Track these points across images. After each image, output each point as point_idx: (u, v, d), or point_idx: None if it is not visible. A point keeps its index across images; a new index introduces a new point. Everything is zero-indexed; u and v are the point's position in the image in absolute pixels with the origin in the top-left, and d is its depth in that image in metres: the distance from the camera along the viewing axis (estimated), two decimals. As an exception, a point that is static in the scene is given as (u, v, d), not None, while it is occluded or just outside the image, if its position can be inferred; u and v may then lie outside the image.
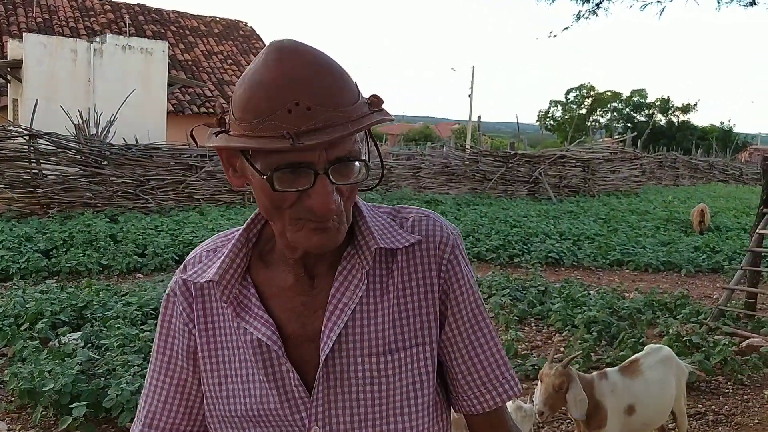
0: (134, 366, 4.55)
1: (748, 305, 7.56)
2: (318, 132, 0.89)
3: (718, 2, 7.52)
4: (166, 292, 1.16)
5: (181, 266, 1.16)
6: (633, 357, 3.70)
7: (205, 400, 1.13)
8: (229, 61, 22.41)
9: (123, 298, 6.72)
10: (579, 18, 8.07)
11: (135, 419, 1.19)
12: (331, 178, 0.94)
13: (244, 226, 1.12)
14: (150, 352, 4.88)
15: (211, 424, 1.14)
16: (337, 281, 1.06)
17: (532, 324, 6.98)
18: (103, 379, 4.43)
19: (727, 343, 6.00)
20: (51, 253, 8.72)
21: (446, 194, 16.58)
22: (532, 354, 5.88)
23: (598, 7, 7.86)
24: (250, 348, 1.07)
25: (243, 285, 1.09)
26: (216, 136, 0.98)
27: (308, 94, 0.90)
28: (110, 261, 8.58)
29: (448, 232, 1.12)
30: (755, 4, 7.68)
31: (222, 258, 1.09)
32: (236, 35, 24.07)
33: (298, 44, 0.95)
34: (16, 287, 7.12)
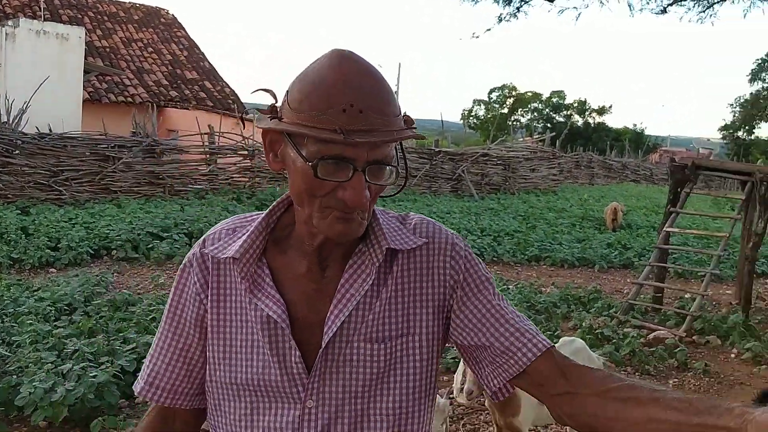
0: (47, 363, 4.38)
1: (656, 299, 8.00)
2: (365, 133, 1.02)
3: (631, 9, 7.92)
4: (183, 262, 1.25)
5: (200, 240, 1.25)
6: (548, 349, 3.86)
7: (207, 366, 1.23)
8: (149, 49, 21.73)
9: (35, 293, 6.46)
10: (500, 20, 8.32)
11: (139, 377, 1.27)
12: (367, 176, 1.06)
13: (266, 212, 1.22)
14: (63, 348, 4.71)
15: (210, 389, 1.23)
16: (347, 273, 1.18)
17: (454, 318, 7.14)
18: (14, 377, 4.26)
19: (635, 335, 6.34)
20: (-44, 245, 8.26)
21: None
22: (452, 348, 6.03)
23: (518, 11, 8.12)
24: (259, 323, 1.17)
25: (259, 266, 1.19)
26: (270, 121, 1.09)
27: (362, 99, 1.03)
28: (21, 255, 8.21)
29: (448, 234, 1.25)
30: (666, 12, 8.12)
31: (244, 238, 1.19)
32: (157, 23, 23.36)
33: (357, 55, 1.09)
34: None
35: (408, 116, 1.13)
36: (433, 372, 1.25)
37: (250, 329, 1.18)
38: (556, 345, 3.82)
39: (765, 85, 35.64)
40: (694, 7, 7.98)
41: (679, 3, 7.90)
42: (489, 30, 8.18)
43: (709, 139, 58.48)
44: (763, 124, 37.08)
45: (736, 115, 37.15)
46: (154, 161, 13.00)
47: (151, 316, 5.73)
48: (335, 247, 1.18)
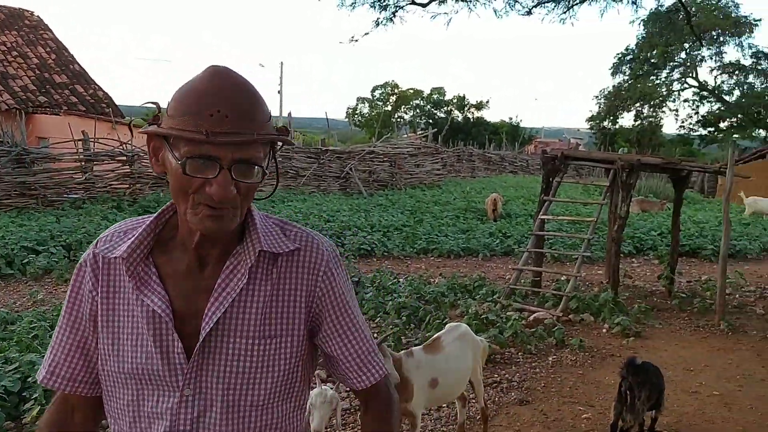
0: None
1: (534, 283, 8.52)
2: (228, 135, 1.16)
3: (496, 14, 8.40)
4: (79, 262, 1.36)
5: (95, 242, 1.37)
6: (435, 335, 4.08)
7: (99, 357, 1.34)
8: (14, 52, 20.33)
9: None
10: (378, 24, 8.56)
11: (41, 366, 1.38)
12: (233, 174, 1.19)
13: (156, 215, 1.35)
14: None
15: (103, 379, 1.34)
16: (224, 273, 1.29)
17: (347, 314, 7.28)
18: None
19: (517, 318, 6.73)
20: None
21: (259, 191, 16.46)
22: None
23: (394, 15, 8.39)
24: (144, 317, 1.28)
25: (146, 264, 1.31)
26: (149, 126, 1.23)
27: (228, 106, 1.17)
28: None
29: (324, 247, 1.38)
30: (531, 13, 8.66)
31: (132, 239, 1.31)
32: (21, 24, 21.88)
33: (230, 70, 1.23)
34: None
35: (283, 127, 1.31)
36: (302, 370, 1.39)
37: (137, 323, 1.29)
38: (443, 331, 3.98)
39: (625, 77, 38.33)
40: (554, 8, 8.56)
41: (542, 5, 8.44)
42: (367, 34, 8.39)
43: (579, 130, 61.98)
44: (625, 114, 39.80)
45: (601, 106, 39.72)
46: (25, 171, 12.23)
47: (33, 334, 5.46)
48: (212, 246, 1.30)
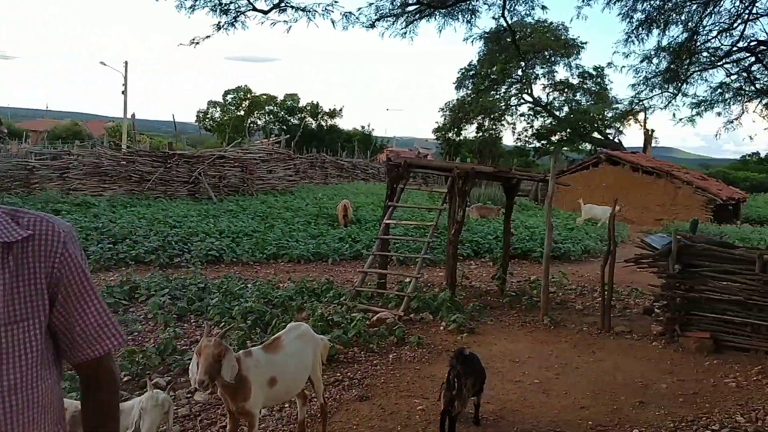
0: None
1: (380, 285, 8.86)
2: None
3: (334, 25, 8.69)
4: None
5: None
6: (276, 335, 4.19)
7: None
8: None
9: None
10: (219, 28, 8.53)
11: None
12: None
13: None
14: None
15: None
16: None
17: (192, 320, 7.19)
18: None
19: (361, 318, 6.99)
20: None
21: (100, 196, 15.69)
22: (191, 348, 6.10)
23: (236, 20, 8.39)
24: None
25: None
26: None
27: None
28: None
29: (59, 230, 1.45)
30: (374, 26, 9.02)
31: None
32: None
33: None
34: None
35: None
36: (52, 354, 1.50)
37: None
38: (283, 330, 4.10)
39: (468, 92, 40.48)
40: (394, 23, 9.00)
41: (384, 19, 8.83)
42: (209, 37, 8.32)
43: (427, 140, 64.43)
44: (468, 126, 41.95)
45: (446, 118, 41.67)
46: None
47: None
48: None
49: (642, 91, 11.60)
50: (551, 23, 37.45)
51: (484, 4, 9.60)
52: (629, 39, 10.25)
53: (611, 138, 38.62)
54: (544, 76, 40.12)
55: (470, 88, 40.66)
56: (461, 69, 41.09)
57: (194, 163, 18.48)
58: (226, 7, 8.24)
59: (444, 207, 9.06)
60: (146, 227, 12.01)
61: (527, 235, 14.79)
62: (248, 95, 54.36)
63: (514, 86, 40.57)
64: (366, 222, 15.66)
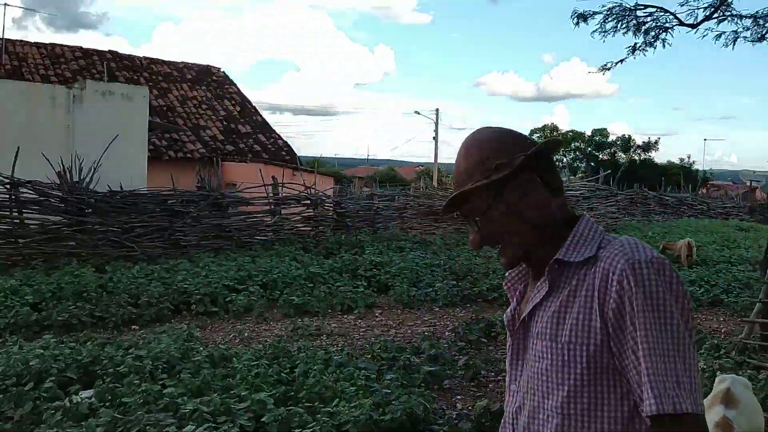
0: (167, 427, 4.19)
1: (763, 337, 7.50)
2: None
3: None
4: None
5: None
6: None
7: None
8: (204, 106, 22.19)
9: (129, 351, 6.32)
10: (634, 50, 7.94)
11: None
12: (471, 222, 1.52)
13: None
14: (177, 409, 4.48)
15: None
16: (539, 281, 1.42)
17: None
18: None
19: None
20: (40, 306, 8.21)
21: (433, 234, 16.45)
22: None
23: (656, 39, 7.88)
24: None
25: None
26: None
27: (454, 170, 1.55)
28: (103, 313, 8.14)
29: (629, 256, 1.26)
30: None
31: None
32: (210, 80, 23.91)
33: (477, 130, 1.49)
34: (10, 343, 6.65)
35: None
36: (606, 382, 1.33)
37: None
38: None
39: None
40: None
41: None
42: (622, 61, 7.97)
43: (754, 172, 56.96)
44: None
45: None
46: (221, 214, 13.02)
47: (254, 372, 5.52)
48: (530, 264, 1.49)
49: None
50: None
51: None
52: None
53: None
54: None
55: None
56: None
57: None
58: (647, 26, 7.76)
59: None
60: (482, 265, 12.11)
61: None
62: (554, 132, 53.96)
63: None
64: (712, 262, 13.91)
